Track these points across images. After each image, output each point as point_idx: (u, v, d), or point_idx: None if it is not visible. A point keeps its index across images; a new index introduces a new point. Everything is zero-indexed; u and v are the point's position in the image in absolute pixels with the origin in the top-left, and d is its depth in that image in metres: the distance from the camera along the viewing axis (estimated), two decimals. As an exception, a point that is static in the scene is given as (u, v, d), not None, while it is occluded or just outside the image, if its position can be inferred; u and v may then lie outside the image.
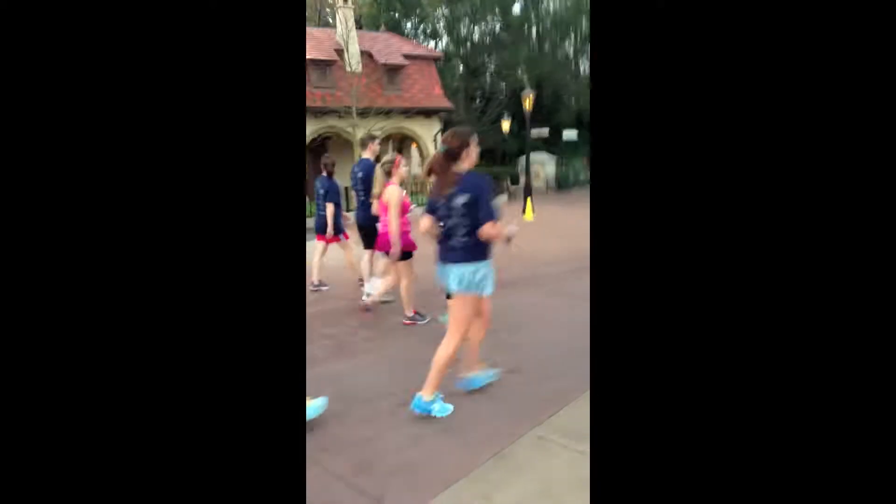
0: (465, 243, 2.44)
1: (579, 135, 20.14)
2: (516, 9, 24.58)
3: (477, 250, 2.45)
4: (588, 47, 25.12)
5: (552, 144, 20.97)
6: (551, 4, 24.50)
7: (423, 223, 2.64)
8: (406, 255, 3.99)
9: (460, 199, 2.41)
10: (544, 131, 15.72)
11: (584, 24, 24.60)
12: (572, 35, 24.82)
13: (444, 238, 2.52)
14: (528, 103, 12.82)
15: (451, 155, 2.47)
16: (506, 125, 18.14)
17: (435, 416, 2.56)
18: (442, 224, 2.52)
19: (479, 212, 2.37)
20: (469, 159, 2.50)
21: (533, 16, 24.50)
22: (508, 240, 2.49)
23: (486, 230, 2.37)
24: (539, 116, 21.72)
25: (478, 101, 22.95)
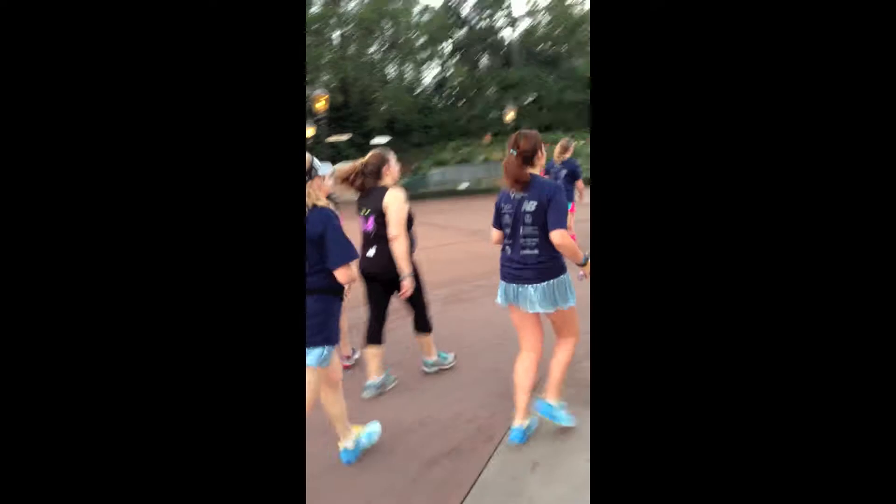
0: (538, 258, 2.20)
1: (390, 141, 19.07)
2: (314, 8, 22.69)
3: (554, 265, 2.21)
4: (393, 54, 24.45)
5: (365, 152, 19.50)
6: (350, 5, 23.15)
7: (494, 236, 2.41)
8: None
9: (529, 206, 2.18)
10: (343, 137, 14.39)
11: (388, 27, 23.77)
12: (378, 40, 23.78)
13: (512, 250, 2.28)
14: (319, 105, 11.20)
15: (525, 158, 2.23)
16: (309, 131, 16.34)
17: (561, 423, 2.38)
18: (508, 233, 2.29)
19: (548, 217, 2.16)
20: (540, 163, 2.30)
21: (333, 18, 22.87)
22: (585, 264, 2.23)
23: (556, 237, 2.13)
24: (348, 122, 20.28)
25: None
